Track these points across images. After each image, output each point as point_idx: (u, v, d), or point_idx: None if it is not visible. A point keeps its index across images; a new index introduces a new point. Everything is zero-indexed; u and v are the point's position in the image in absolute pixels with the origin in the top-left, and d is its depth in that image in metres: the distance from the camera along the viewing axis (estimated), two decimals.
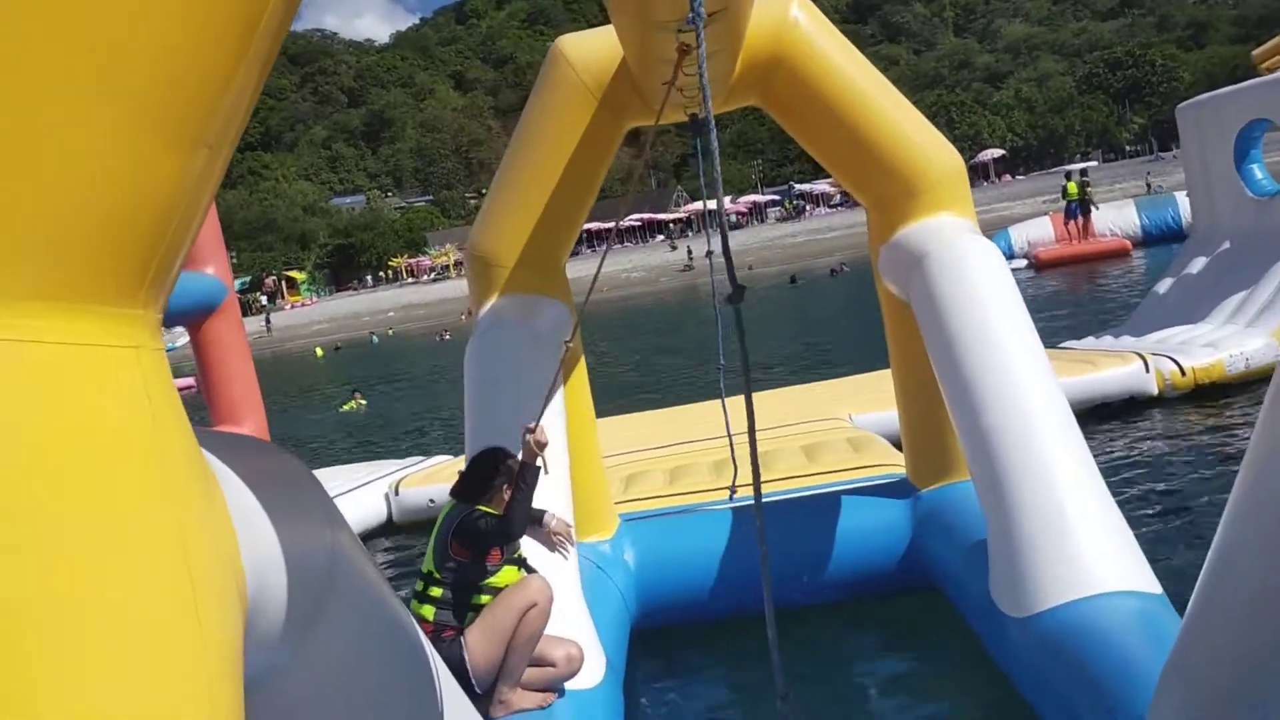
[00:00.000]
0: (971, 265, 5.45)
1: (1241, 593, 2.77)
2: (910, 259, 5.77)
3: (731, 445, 6.92)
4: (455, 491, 4.66)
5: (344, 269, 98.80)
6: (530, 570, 4.64)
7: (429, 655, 2.78)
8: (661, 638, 6.46)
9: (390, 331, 55.24)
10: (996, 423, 4.93)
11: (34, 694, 1.24)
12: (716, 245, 6.87)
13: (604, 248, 5.24)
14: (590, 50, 6.07)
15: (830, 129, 6.03)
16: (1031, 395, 5.00)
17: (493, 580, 4.48)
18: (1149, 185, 49.08)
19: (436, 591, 4.45)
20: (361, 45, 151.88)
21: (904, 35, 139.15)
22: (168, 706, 1.36)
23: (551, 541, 4.78)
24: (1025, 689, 4.55)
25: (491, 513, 4.51)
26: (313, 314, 73.87)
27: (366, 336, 53.06)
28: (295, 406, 26.09)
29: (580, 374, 6.70)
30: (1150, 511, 7.37)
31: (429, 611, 4.43)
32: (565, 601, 4.80)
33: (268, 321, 68.91)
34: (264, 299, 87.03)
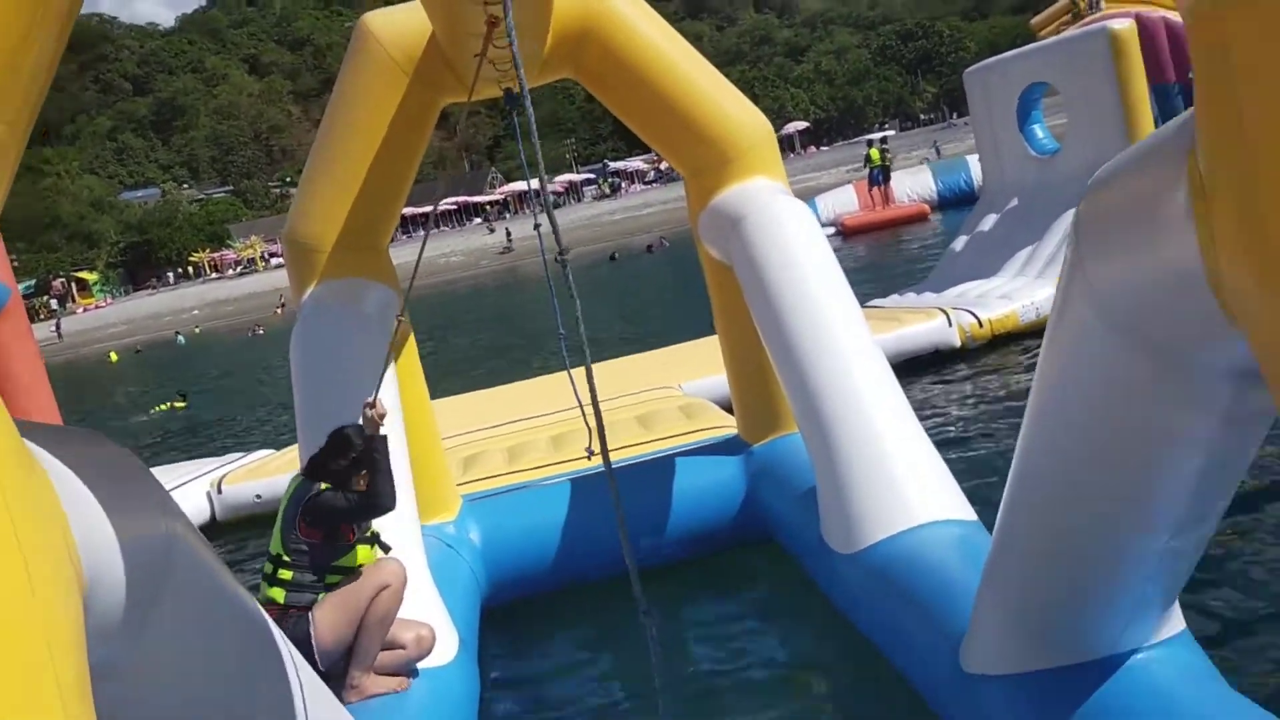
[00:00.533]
0: (787, 225, 5.70)
1: (1037, 507, 3.07)
2: (729, 222, 5.98)
3: (583, 409, 7.00)
4: (307, 470, 4.55)
5: (140, 267, 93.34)
6: (385, 547, 4.59)
7: (279, 641, 2.74)
8: (511, 612, 6.51)
9: (197, 330, 52.73)
10: (818, 374, 5.19)
11: None
12: (543, 219, 6.91)
13: (422, 231, 5.21)
14: (398, 26, 5.99)
15: (644, 99, 6.16)
16: (849, 346, 5.29)
17: (345, 560, 4.41)
18: (937, 150, 52.01)
19: (286, 574, 4.35)
20: (144, 29, 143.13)
21: (706, 11, 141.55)
22: (12, 687, 1.33)
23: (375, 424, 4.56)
24: (859, 621, 4.84)
25: (341, 493, 4.42)
26: (107, 316, 69.66)
27: (170, 337, 50.43)
28: (95, 415, 24.61)
29: (411, 356, 6.64)
30: (962, 450, 7.88)
31: (278, 594, 4.32)
32: (414, 581, 4.78)
33: (57, 327, 64.54)
34: (53, 303, 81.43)
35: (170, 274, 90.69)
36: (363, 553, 4.46)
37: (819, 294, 5.47)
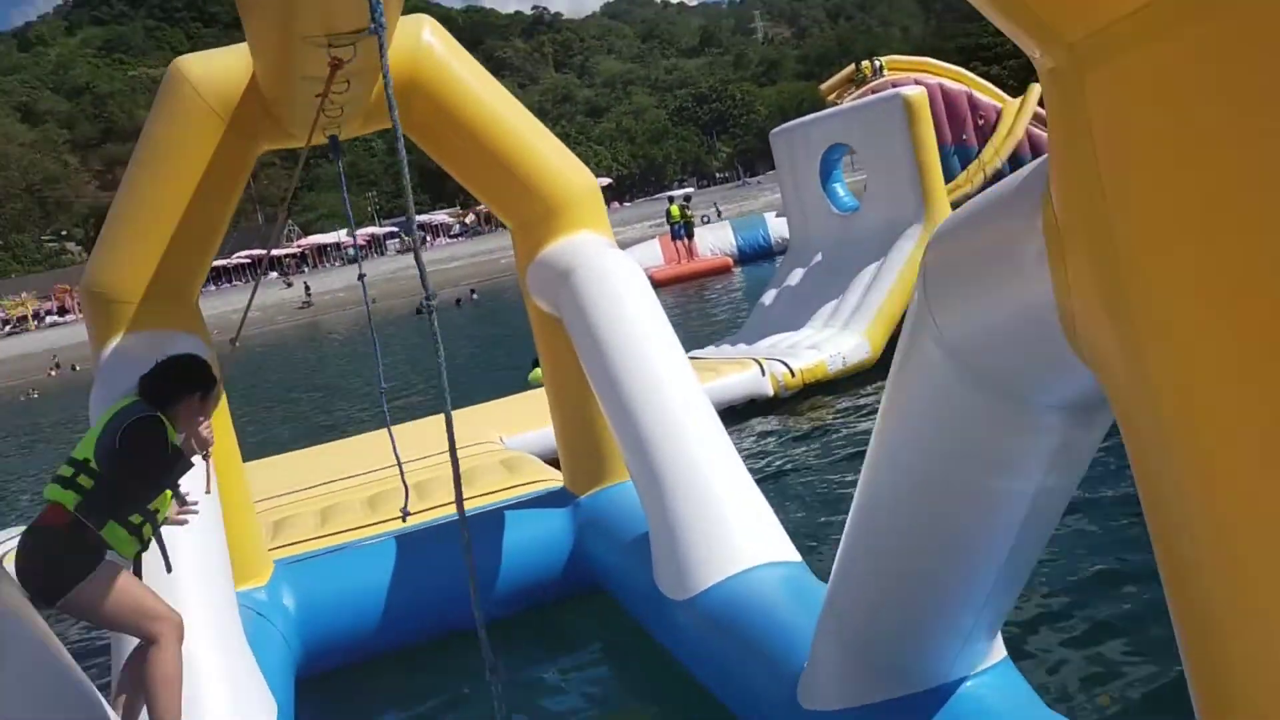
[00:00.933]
0: (616, 278, 5.79)
1: (875, 541, 3.22)
2: (558, 275, 6.01)
3: (400, 468, 6.82)
4: (141, 388, 4.25)
5: None
6: (181, 499, 4.36)
7: (105, 711, 2.51)
8: (328, 681, 6.22)
9: None
10: (649, 423, 5.27)
11: None
12: (368, 269, 6.75)
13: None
14: (214, 71, 5.79)
15: (471, 152, 6.15)
16: (677, 394, 5.40)
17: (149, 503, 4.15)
18: (717, 211, 53.32)
19: (87, 482, 4.02)
20: None
21: (508, 69, 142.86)
22: None
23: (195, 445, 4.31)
24: (693, 665, 4.89)
25: (174, 441, 4.15)
26: None
27: None
28: None
29: (223, 415, 6.31)
30: (776, 495, 8.11)
31: (70, 499, 3.99)
32: (229, 650, 4.53)
33: None
34: None
35: None
36: (166, 500, 4.24)
37: (648, 344, 5.57)
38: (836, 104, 18.45)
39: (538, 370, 16.83)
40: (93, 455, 4.09)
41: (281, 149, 6.46)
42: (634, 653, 5.69)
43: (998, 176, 25.16)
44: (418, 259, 2.94)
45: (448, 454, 9.78)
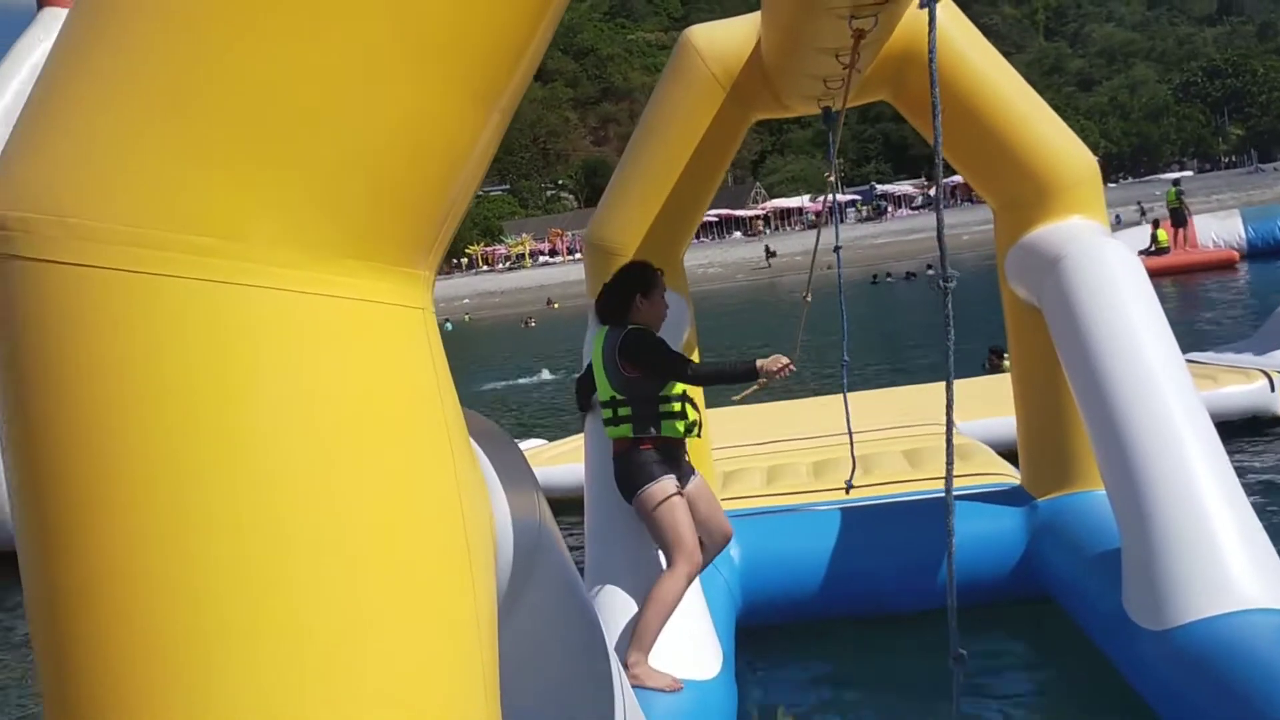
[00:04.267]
0: (1113, 268, 5.32)
1: None
2: (1044, 262, 5.65)
3: (851, 441, 6.87)
4: (602, 317, 4.80)
5: None
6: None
7: (606, 642, 2.74)
8: (763, 634, 6.42)
9: (467, 318, 55.90)
10: (1136, 429, 4.80)
11: (324, 644, 1.27)
12: (827, 235, 6.78)
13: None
14: (720, 41, 6.07)
15: (965, 128, 5.91)
16: (1173, 402, 4.87)
17: (668, 388, 4.65)
18: (1141, 210, 45.41)
19: (625, 410, 4.59)
20: None
21: (993, 37, 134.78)
22: (447, 674, 1.38)
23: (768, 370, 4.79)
24: (1160, 703, 4.42)
25: (651, 330, 4.66)
26: None
27: (440, 323, 53.63)
28: None
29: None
30: (1274, 530, 7.12)
31: (625, 430, 4.60)
32: (689, 592, 4.78)
33: None
34: None
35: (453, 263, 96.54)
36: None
37: (1142, 342, 5.05)
38: None
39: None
40: (614, 390, 4.59)
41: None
42: (1084, 673, 5.30)
43: None
44: (940, 236, 2.86)
45: (889, 430, 9.72)
